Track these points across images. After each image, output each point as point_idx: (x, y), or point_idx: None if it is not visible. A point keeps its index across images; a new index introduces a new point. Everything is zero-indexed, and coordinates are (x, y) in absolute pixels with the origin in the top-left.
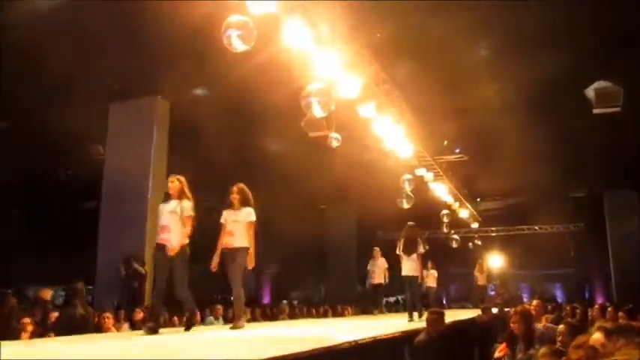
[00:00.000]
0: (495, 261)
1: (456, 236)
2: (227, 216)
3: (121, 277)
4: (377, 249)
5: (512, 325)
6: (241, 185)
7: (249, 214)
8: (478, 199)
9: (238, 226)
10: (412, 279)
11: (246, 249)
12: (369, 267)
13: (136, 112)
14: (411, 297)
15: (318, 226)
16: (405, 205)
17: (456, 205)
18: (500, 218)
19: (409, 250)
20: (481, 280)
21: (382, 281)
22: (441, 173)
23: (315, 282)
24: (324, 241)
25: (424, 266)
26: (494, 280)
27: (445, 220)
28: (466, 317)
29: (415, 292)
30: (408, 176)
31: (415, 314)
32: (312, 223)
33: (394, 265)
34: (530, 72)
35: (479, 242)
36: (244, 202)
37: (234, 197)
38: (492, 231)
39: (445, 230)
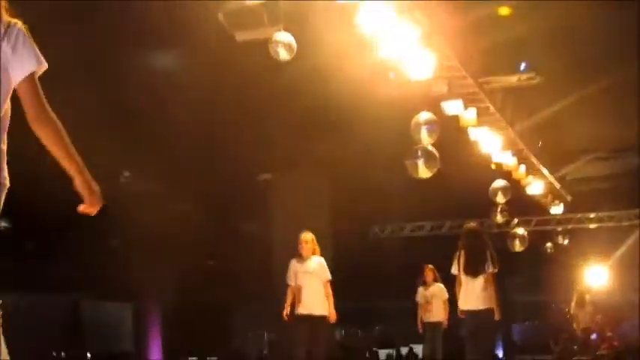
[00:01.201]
0: (597, 278)
1: (521, 230)
2: None
3: None
4: (307, 236)
5: None
6: None
7: None
8: (565, 163)
9: None
10: (480, 316)
11: None
12: (289, 279)
13: None
14: (482, 343)
15: (255, 214)
16: (423, 173)
17: (521, 172)
18: (607, 197)
19: (475, 267)
20: (582, 319)
21: (323, 312)
22: (493, 110)
23: (250, 323)
24: (269, 245)
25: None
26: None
27: (500, 200)
28: None
29: (488, 337)
30: (427, 116)
31: None
32: (245, 209)
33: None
34: None
35: (565, 241)
36: None
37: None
38: (591, 220)
39: (499, 219)
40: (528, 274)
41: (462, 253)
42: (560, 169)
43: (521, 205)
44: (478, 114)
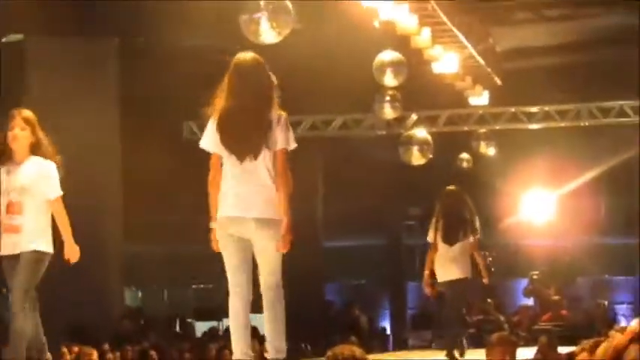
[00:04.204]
0: (539, 209)
1: (422, 132)
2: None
3: None
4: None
5: None
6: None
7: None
8: (493, 24)
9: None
10: (456, 285)
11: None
12: None
13: None
14: (455, 318)
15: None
16: (265, 35)
17: (423, 37)
18: (558, 80)
19: (454, 234)
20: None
21: None
22: None
23: None
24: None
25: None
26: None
27: (389, 82)
28: None
29: (460, 310)
30: None
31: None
32: None
33: None
34: None
35: (490, 150)
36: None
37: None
38: (532, 116)
39: (389, 113)
40: (428, 204)
41: (440, 217)
42: (484, 36)
43: (424, 91)
44: None
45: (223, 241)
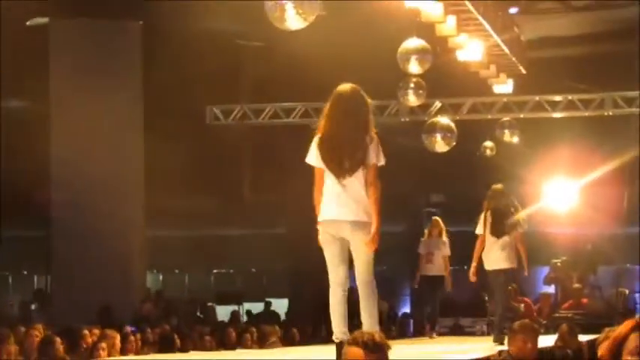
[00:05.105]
0: (561, 198)
1: (445, 119)
2: None
3: None
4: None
5: None
6: None
7: None
8: (517, 13)
9: None
10: (500, 275)
11: None
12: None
13: None
14: (502, 305)
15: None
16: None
17: (449, 26)
18: (584, 70)
19: (501, 227)
20: None
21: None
22: None
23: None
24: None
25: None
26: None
27: (414, 69)
28: None
29: (506, 297)
30: None
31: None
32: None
33: None
34: None
35: (514, 138)
36: None
37: None
38: (556, 105)
39: (412, 100)
40: (451, 191)
41: (489, 212)
42: (510, 25)
43: (448, 79)
44: None
45: (325, 240)
